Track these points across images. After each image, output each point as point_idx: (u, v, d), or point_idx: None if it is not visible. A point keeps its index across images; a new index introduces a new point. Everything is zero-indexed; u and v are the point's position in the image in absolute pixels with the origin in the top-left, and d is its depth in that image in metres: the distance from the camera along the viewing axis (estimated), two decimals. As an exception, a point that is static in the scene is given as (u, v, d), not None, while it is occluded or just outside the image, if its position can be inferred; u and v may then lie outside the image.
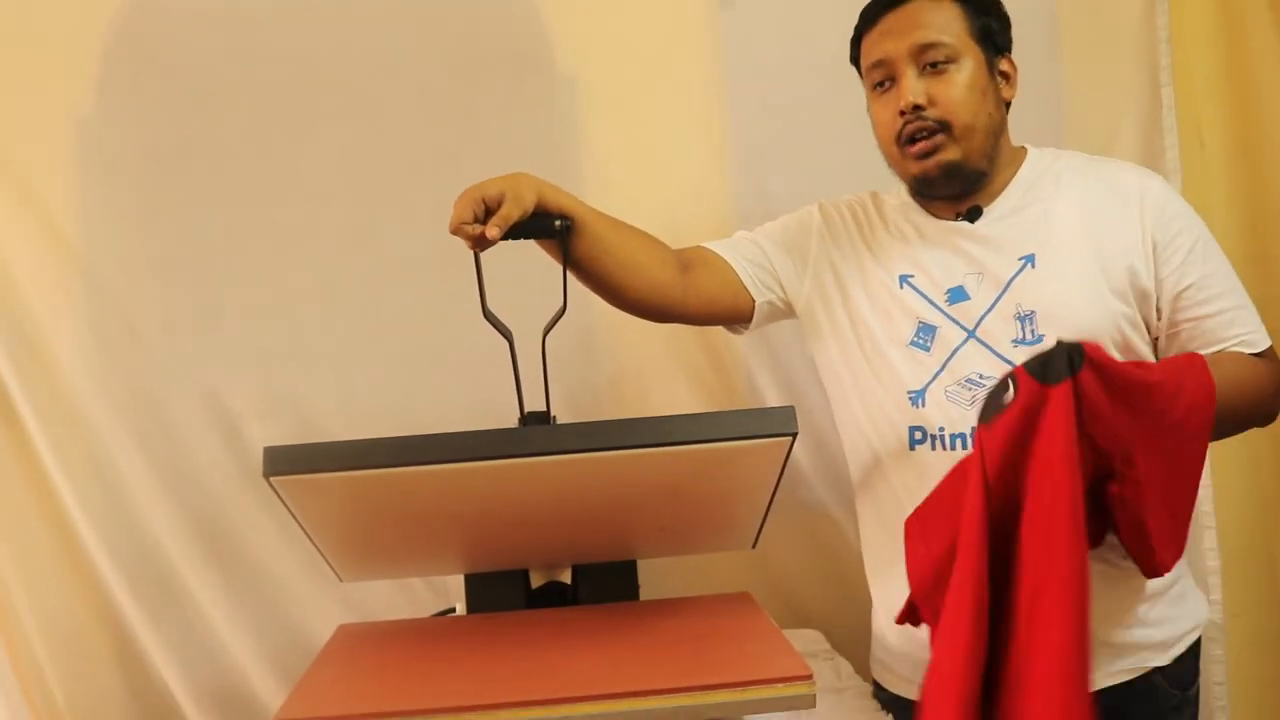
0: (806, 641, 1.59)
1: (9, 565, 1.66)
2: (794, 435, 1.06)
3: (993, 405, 1.09)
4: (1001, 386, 1.09)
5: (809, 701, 0.98)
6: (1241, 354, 1.29)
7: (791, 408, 1.07)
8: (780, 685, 0.98)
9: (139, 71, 1.69)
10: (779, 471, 1.12)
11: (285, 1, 1.70)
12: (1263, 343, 1.31)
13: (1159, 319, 1.30)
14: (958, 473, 1.13)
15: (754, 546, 1.30)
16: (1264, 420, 1.33)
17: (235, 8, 1.69)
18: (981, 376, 1.28)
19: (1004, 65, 1.35)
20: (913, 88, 1.29)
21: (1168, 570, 1.20)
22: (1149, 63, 1.76)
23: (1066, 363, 1.05)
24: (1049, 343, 1.22)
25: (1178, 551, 1.21)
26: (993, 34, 1.33)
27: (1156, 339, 1.32)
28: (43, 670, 1.67)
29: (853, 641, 1.56)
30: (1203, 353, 1.28)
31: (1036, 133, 1.58)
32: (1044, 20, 1.76)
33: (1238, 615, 1.75)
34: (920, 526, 1.17)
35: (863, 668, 1.47)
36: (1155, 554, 1.17)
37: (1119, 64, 1.77)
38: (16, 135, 1.65)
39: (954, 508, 1.10)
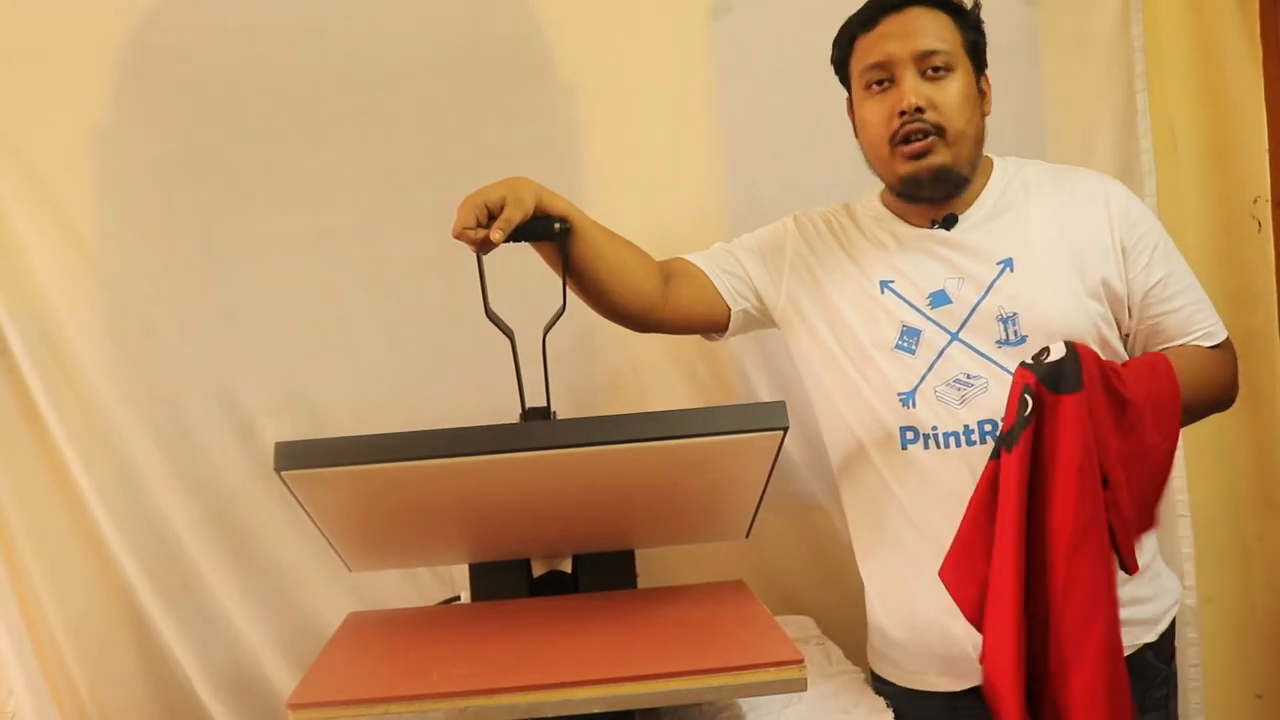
0: (798, 627, 1.59)
1: (33, 557, 1.67)
2: (785, 429, 1.08)
3: (1019, 425, 1.14)
4: (1022, 405, 1.14)
5: (800, 685, 1.01)
6: (1201, 347, 1.34)
7: (783, 403, 1.09)
8: (773, 669, 1.01)
9: (155, 84, 1.70)
10: (771, 464, 1.14)
11: (295, 17, 1.71)
12: (1221, 334, 1.36)
13: (1130, 317, 1.34)
14: (977, 508, 1.18)
15: (747, 536, 1.33)
16: (1225, 406, 1.40)
17: (247, 24, 1.70)
18: (969, 376, 1.31)
19: (983, 83, 1.37)
20: (916, 89, 1.30)
21: (1136, 570, 1.22)
22: (1124, 69, 1.77)
23: (1076, 374, 1.12)
24: (1032, 343, 1.26)
25: (1144, 531, 1.25)
26: (979, 51, 1.36)
27: (1128, 335, 1.36)
28: (65, 658, 1.68)
29: (843, 627, 1.58)
30: (1168, 346, 1.34)
31: (1019, 135, 1.61)
32: (1026, 30, 1.78)
33: (1211, 600, 1.77)
34: (955, 572, 1.18)
35: (853, 653, 1.48)
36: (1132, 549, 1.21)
37: (1096, 70, 1.78)
38: (39, 146, 1.67)
39: (984, 538, 1.16)
